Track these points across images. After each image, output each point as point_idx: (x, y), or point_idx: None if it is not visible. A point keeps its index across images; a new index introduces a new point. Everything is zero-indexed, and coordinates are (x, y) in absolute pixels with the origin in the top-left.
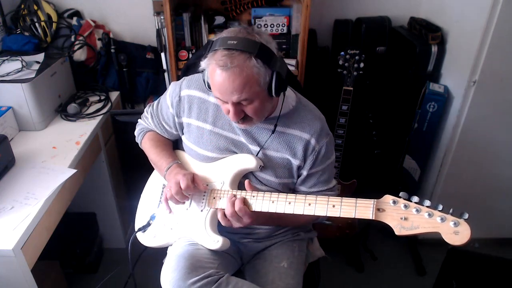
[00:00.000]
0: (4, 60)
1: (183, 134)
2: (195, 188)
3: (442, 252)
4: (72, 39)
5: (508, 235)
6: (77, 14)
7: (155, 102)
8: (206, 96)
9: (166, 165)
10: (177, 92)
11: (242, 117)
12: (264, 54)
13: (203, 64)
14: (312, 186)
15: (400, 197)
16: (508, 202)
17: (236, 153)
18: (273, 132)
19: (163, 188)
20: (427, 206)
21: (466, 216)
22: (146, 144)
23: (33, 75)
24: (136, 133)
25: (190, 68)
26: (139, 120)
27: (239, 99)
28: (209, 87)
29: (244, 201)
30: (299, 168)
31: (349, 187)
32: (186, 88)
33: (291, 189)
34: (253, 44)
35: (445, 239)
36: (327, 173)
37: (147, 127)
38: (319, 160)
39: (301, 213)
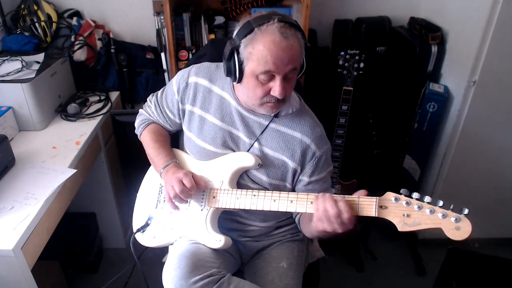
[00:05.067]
0: (4, 60)
1: (183, 122)
2: (197, 187)
3: (442, 252)
4: (72, 39)
5: (508, 235)
6: (77, 14)
7: (159, 91)
8: (212, 86)
9: (163, 162)
10: (185, 78)
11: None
12: (300, 29)
13: (244, 42)
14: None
15: (401, 193)
16: (508, 202)
17: (232, 147)
18: (268, 124)
19: (160, 188)
20: (428, 203)
21: (466, 211)
22: (146, 137)
23: (33, 75)
24: (136, 124)
25: None
26: (140, 110)
27: (291, 68)
28: (240, 71)
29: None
30: (295, 172)
31: (349, 187)
32: (194, 75)
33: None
34: (293, 20)
35: (447, 235)
36: (328, 182)
37: (148, 118)
38: (320, 167)
39: (304, 211)
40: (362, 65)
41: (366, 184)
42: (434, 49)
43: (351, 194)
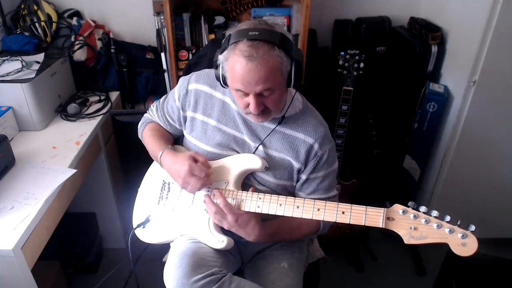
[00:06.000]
0: (4, 60)
1: (185, 128)
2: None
3: (442, 252)
4: (72, 39)
5: (508, 235)
6: (77, 14)
7: (163, 97)
8: (213, 91)
9: (160, 150)
10: (185, 85)
11: (262, 109)
12: (285, 43)
13: (221, 57)
14: (312, 192)
15: (409, 206)
16: (508, 202)
17: (237, 150)
18: (274, 128)
19: (162, 184)
20: (435, 217)
21: (473, 228)
22: (146, 134)
23: (33, 75)
24: (139, 125)
25: (191, 68)
26: (145, 114)
27: (263, 89)
28: (224, 82)
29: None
30: (299, 171)
31: (349, 187)
32: (194, 82)
33: (289, 192)
34: (274, 35)
35: (453, 250)
36: (328, 181)
37: (150, 119)
38: (320, 166)
39: (310, 217)
40: (362, 65)
41: (366, 184)
42: (434, 49)
43: (351, 194)
